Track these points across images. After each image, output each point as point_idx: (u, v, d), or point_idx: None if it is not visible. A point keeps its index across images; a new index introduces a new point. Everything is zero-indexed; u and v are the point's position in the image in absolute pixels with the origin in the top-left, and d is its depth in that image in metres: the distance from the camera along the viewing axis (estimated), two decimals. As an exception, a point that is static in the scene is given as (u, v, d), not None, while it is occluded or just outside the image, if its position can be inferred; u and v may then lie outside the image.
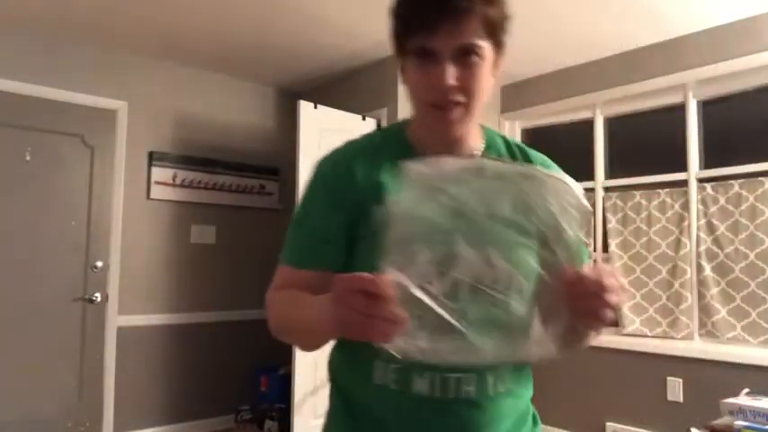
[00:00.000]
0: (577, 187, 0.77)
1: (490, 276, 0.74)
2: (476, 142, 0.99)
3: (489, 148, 1.01)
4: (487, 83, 0.91)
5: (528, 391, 1.00)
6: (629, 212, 3.66)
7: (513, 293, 0.75)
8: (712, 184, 3.34)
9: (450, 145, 0.94)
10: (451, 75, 0.86)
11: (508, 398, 0.93)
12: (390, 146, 0.98)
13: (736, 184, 3.24)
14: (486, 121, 1.02)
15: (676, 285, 3.43)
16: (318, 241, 0.92)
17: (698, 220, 3.38)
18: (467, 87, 0.87)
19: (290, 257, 0.96)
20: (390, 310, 0.66)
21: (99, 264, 3.67)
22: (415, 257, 0.71)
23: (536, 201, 0.75)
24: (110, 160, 3.77)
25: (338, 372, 0.99)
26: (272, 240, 4.12)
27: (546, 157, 1.04)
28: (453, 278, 0.73)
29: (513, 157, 1.02)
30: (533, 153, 1.04)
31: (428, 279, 0.72)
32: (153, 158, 3.93)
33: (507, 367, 0.93)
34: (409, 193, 0.74)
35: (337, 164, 0.97)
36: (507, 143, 1.04)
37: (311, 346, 0.91)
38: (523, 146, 1.05)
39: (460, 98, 0.88)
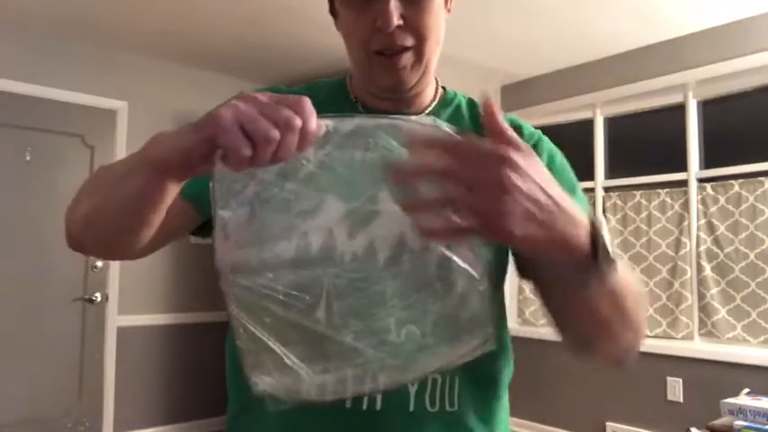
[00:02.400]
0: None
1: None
2: (428, 99, 0.83)
3: (445, 107, 0.84)
4: (440, 22, 0.74)
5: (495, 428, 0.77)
6: (629, 212, 3.66)
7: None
8: (712, 184, 3.34)
9: (398, 101, 0.78)
10: (396, 13, 0.69)
11: (442, 423, 0.72)
12: (330, 102, 0.80)
13: (736, 184, 3.24)
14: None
15: (676, 285, 3.43)
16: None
17: (698, 220, 3.38)
18: (416, 27, 0.71)
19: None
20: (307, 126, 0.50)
21: (99, 264, 3.67)
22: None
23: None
24: (110, 160, 3.75)
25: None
26: (272, 240, 4.11)
27: (520, 122, 0.86)
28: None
29: (476, 119, 0.82)
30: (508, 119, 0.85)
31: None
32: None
33: (455, 378, 0.73)
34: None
35: None
36: (472, 105, 0.85)
37: (122, 220, 0.62)
38: None
39: (409, 41, 0.71)
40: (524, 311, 4.15)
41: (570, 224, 0.53)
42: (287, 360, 0.56)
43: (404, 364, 0.58)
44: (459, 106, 0.85)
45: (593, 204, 3.84)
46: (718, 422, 2.00)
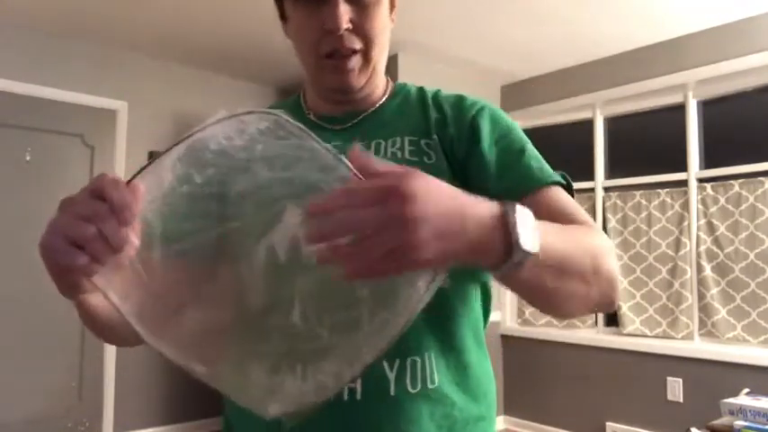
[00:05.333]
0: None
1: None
2: (378, 98, 0.85)
3: (394, 99, 0.86)
4: (386, 26, 0.78)
5: (475, 404, 0.77)
6: (629, 212, 3.66)
7: None
8: (712, 184, 3.34)
9: (347, 102, 0.81)
10: (345, 17, 0.72)
11: (426, 401, 0.71)
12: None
13: (736, 184, 3.24)
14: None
15: (676, 285, 3.43)
16: None
17: (698, 220, 3.38)
18: (363, 31, 0.75)
19: None
20: (119, 227, 0.50)
21: (99, 264, 3.67)
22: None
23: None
24: (110, 160, 3.77)
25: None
26: (272, 240, 4.11)
27: (464, 95, 0.84)
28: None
29: (422, 101, 0.84)
30: (446, 94, 0.85)
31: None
32: (153, 158, 3.92)
33: (435, 354, 0.73)
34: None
35: None
36: (421, 91, 0.86)
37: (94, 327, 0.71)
38: (438, 90, 0.86)
39: (357, 44, 0.75)
40: (524, 312, 4.15)
41: (478, 231, 0.51)
42: (274, 378, 0.55)
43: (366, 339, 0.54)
44: (407, 95, 0.86)
45: (594, 204, 3.84)
46: (718, 422, 2.00)
